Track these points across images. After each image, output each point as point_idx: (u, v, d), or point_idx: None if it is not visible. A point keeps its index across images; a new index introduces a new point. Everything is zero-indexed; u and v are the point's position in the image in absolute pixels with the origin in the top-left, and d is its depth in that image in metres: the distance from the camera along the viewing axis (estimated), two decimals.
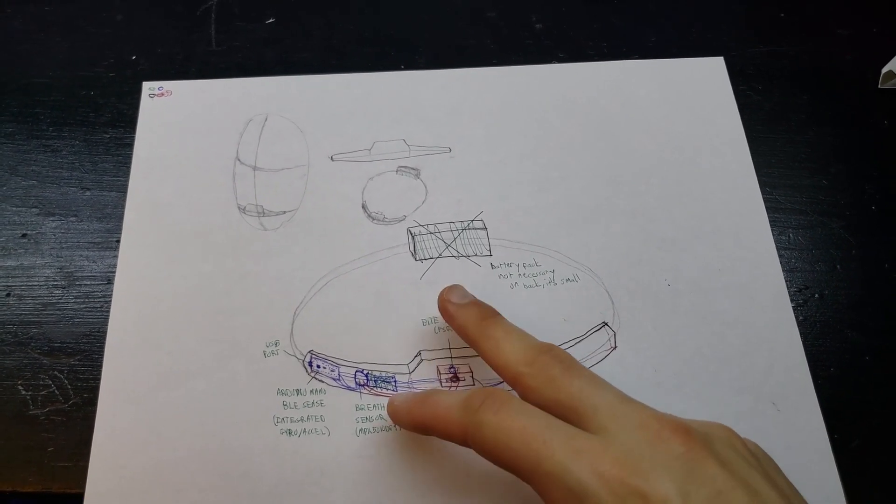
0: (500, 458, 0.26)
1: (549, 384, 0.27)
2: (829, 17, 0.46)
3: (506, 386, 0.30)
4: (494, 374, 0.35)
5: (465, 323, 0.32)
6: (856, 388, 0.35)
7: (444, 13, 0.46)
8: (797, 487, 0.27)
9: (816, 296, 0.38)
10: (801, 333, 0.36)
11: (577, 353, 0.35)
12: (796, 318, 0.37)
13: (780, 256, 0.38)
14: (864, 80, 0.44)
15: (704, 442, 0.25)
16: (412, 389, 0.34)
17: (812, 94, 0.44)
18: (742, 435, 0.26)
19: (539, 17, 0.46)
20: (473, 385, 0.35)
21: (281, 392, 0.34)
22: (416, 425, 0.30)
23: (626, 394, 0.27)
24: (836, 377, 0.36)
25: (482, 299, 0.36)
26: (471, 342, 0.32)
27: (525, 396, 0.28)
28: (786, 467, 0.33)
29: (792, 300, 0.37)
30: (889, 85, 0.43)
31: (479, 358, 0.35)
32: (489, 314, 0.32)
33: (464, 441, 0.27)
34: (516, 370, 0.29)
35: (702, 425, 0.26)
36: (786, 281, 0.38)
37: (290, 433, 0.34)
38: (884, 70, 0.43)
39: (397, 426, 0.33)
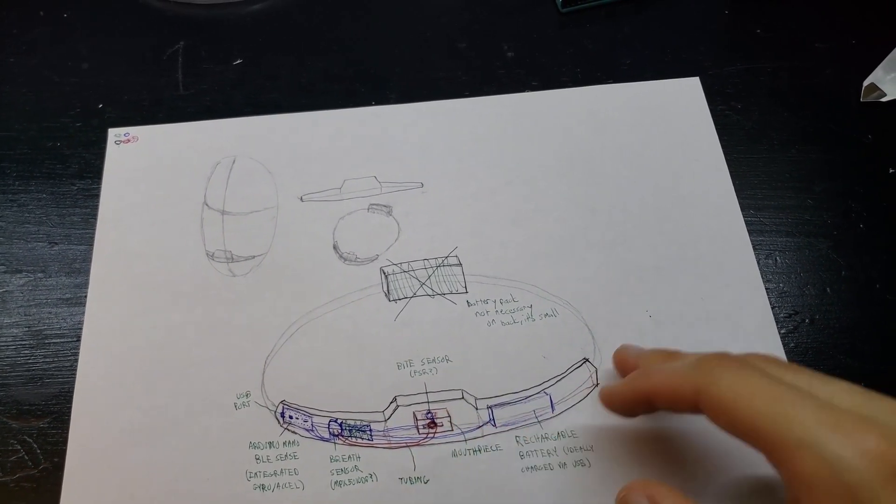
0: (737, 419, 0.23)
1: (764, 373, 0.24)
2: (807, 31, 0.45)
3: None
4: (474, 419, 0.34)
5: (646, 371, 0.30)
6: None
7: (414, 46, 0.45)
8: None
9: (807, 321, 0.36)
10: (793, 361, 0.35)
11: (557, 392, 0.34)
12: (787, 344, 0.35)
13: (768, 281, 0.37)
14: (846, 94, 0.43)
15: None
16: (388, 438, 0.33)
17: (793, 111, 0.42)
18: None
19: (511, 46, 0.45)
20: (452, 430, 0.33)
21: (253, 445, 0.33)
22: (639, 398, 0.28)
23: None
24: None
25: (458, 338, 0.35)
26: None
27: None
28: None
29: (782, 326, 0.36)
30: (871, 98, 0.42)
31: (458, 402, 0.34)
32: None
33: (694, 402, 0.25)
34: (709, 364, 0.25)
35: None
36: (775, 306, 0.36)
37: (263, 488, 0.32)
38: (865, 83, 0.42)
39: (610, 410, 0.31)
